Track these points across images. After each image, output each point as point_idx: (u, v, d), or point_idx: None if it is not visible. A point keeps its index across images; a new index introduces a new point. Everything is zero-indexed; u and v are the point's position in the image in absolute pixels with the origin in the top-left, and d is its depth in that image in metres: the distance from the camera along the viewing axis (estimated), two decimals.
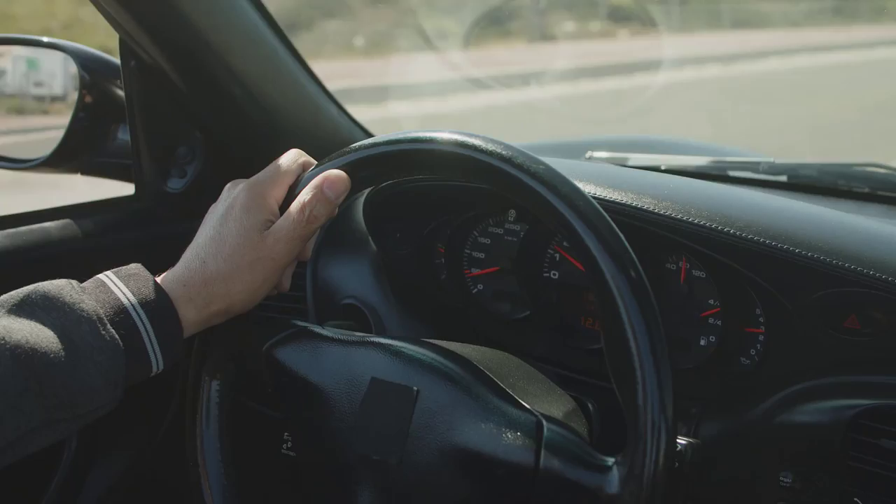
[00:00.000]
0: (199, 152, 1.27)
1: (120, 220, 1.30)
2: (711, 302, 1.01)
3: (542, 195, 0.75)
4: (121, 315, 0.81)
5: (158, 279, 0.85)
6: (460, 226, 1.15)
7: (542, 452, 0.75)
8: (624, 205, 0.97)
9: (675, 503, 0.77)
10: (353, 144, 0.87)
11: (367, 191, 1.13)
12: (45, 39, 1.35)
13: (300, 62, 1.26)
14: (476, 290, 1.15)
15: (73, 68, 1.28)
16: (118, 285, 0.83)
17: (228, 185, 0.92)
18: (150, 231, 1.30)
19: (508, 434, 0.76)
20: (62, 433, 0.79)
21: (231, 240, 0.86)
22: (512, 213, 1.13)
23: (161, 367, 0.83)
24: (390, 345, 0.85)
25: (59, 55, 1.30)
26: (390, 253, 1.18)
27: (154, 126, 1.24)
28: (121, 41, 1.17)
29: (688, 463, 0.81)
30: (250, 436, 0.93)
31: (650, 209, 0.96)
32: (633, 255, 0.73)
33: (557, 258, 1.10)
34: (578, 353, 1.07)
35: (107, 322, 0.79)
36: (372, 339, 0.87)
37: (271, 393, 0.89)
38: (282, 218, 0.87)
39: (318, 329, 0.89)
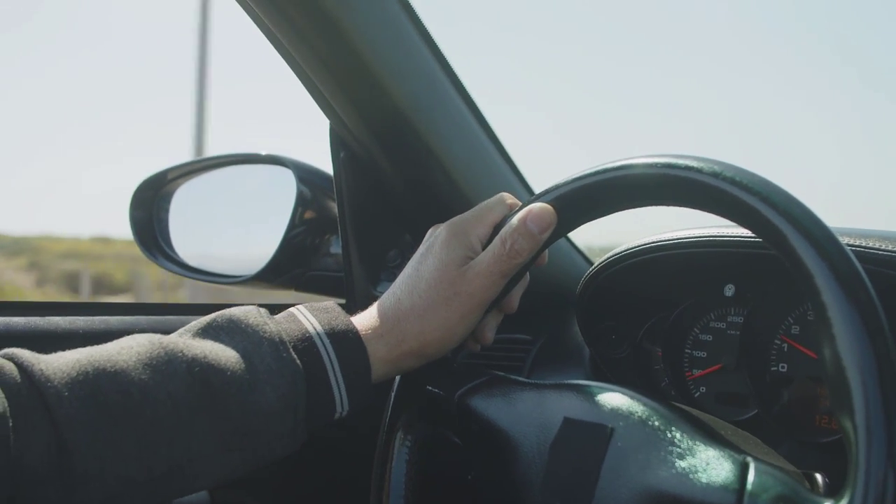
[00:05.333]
0: (408, 255, 1.28)
1: None
2: None
3: (752, 205, 0.70)
4: (305, 342, 0.78)
5: (352, 317, 0.82)
6: (677, 323, 1.12)
7: (746, 494, 0.67)
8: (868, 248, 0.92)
9: None
10: (565, 178, 0.84)
11: (580, 288, 1.13)
12: (264, 153, 1.41)
13: (500, 150, 1.26)
14: (698, 393, 1.11)
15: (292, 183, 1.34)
16: (306, 316, 0.81)
17: (431, 228, 0.90)
18: None
19: (708, 473, 0.69)
20: (236, 468, 0.76)
21: (428, 275, 0.84)
22: (730, 288, 1.08)
23: (346, 406, 0.80)
24: (586, 386, 0.81)
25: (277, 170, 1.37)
26: (606, 357, 1.16)
27: (365, 230, 1.25)
28: (331, 131, 1.20)
29: None
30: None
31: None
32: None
33: (785, 349, 1.04)
34: (809, 448, 1.02)
35: (289, 346, 0.77)
36: (567, 382, 0.83)
37: (459, 443, 0.86)
38: (483, 252, 0.84)
39: (511, 377, 0.86)
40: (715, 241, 1.02)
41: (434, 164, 1.16)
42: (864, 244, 0.93)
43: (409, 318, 0.83)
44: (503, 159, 1.25)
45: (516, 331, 1.28)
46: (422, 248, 0.88)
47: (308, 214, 1.34)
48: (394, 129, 1.13)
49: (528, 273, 0.92)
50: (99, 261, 21.71)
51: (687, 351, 1.12)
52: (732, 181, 0.72)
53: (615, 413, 0.76)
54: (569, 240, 1.33)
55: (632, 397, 0.78)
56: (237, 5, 1.01)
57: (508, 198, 0.91)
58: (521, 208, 0.86)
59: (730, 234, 1.00)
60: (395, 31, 1.08)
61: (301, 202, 1.33)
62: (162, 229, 1.50)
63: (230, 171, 1.47)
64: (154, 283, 16.79)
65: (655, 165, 0.77)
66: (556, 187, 0.85)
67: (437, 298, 0.83)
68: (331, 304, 0.84)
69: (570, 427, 0.78)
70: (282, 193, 1.35)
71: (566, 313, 1.27)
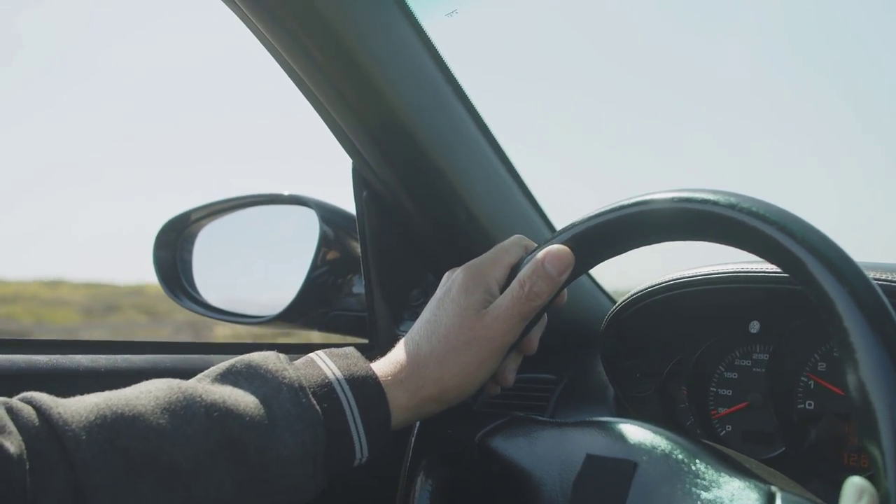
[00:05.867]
0: (431, 295, 1.27)
1: None
2: None
3: (769, 234, 0.70)
4: (324, 388, 0.77)
5: (372, 364, 0.82)
6: (702, 361, 1.10)
7: None
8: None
9: None
10: (581, 217, 0.84)
11: (604, 327, 1.13)
12: (287, 194, 1.42)
13: (523, 189, 1.25)
14: (724, 432, 1.09)
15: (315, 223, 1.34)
16: (326, 362, 0.81)
17: (448, 272, 0.89)
18: None
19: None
20: None
21: (446, 320, 0.83)
22: (755, 325, 1.07)
23: (365, 453, 0.79)
24: (607, 422, 0.80)
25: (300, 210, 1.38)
26: (631, 396, 1.15)
27: (388, 270, 1.25)
28: (353, 170, 1.20)
29: None
30: None
31: None
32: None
33: (812, 385, 1.03)
34: (838, 487, 1.00)
35: (308, 392, 0.76)
36: (587, 419, 0.82)
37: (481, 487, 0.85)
38: (501, 296, 0.84)
39: (532, 416, 0.85)
40: (738, 276, 1.01)
41: (457, 204, 1.17)
42: (882, 277, 0.92)
43: (429, 364, 0.82)
44: (526, 198, 1.25)
45: (540, 370, 1.27)
46: (439, 293, 0.88)
47: (331, 255, 1.35)
48: (416, 167, 1.13)
49: (546, 314, 0.91)
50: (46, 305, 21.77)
51: (712, 389, 1.11)
52: (749, 212, 0.71)
53: (638, 448, 0.75)
54: (591, 278, 1.33)
55: (654, 432, 0.77)
56: (256, 42, 1.03)
57: (524, 239, 0.91)
58: (538, 249, 0.86)
59: (753, 270, 1.00)
60: (418, 70, 1.09)
61: (324, 242, 1.33)
62: (185, 270, 1.51)
63: (253, 211, 1.47)
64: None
65: (672, 200, 0.77)
66: (573, 227, 0.84)
67: (455, 343, 0.82)
68: (350, 349, 0.84)
69: (593, 463, 0.77)
70: (305, 234, 1.35)
71: (590, 352, 1.26)
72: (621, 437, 0.77)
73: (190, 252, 1.52)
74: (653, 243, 0.83)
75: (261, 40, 1.03)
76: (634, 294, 1.09)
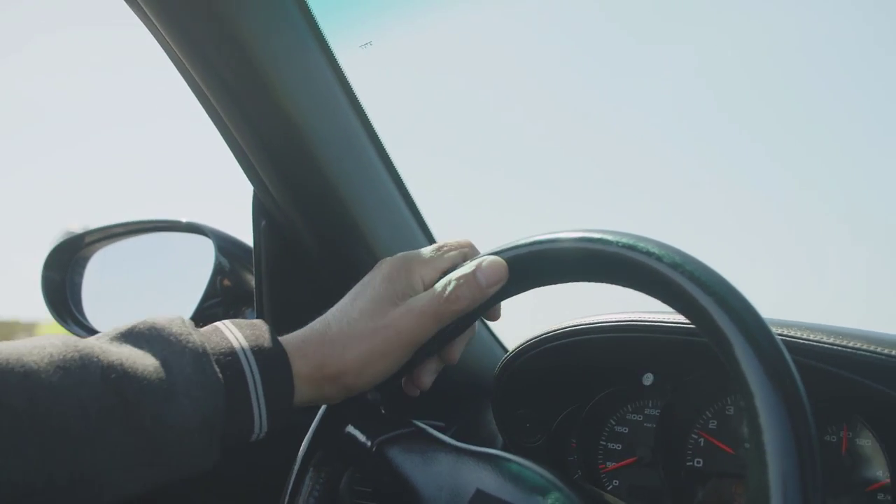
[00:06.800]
0: None
1: None
2: (880, 474, 0.91)
3: (691, 294, 0.67)
4: (228, 357, 0.74)
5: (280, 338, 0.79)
6: (593, 413, 1.09)
7: None
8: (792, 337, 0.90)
9: None
10: (527, 238, 0.81)
11: (497, 373, 1.10)
12: (184, 221, 1.38)
13: (423, 229, 1.23)
14: (611, 486, 1.07)
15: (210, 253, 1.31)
16: (232, 330, 0.77)
17: (380, 261, 0.87)
18: None
19: None
20: (146, 484, 0.71)
21: (361, 305, 0.81)
22: (648, 377, 1.05)
23: (265, 427, 0.75)
24: (506, 460, 0.78)
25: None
26: (520, 445, 1.12)
27: (281, 303, 1.21)
28: (254, 198, 1.17)
29: None
30: None
31: (821, 340, 0.89)
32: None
33: (702, 443, 1.02)
34: None
35: (212, 359, 0.73)
36: (488, 451, 0.80)
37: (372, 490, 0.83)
38: (422, 293, 0.81)
39: (435, 433, 0.83)
40: (632, 325, 1.00)
41: (358, 238, 1.14)
42: (787, 333, 0.92)
43: (334, 343, 0.79)
44: (426, 238, 1.23)
45: (431, 417, 1.24)
46: (364, 279, 0.85)
47: (225, 285, 1.31)
48: (318, 197, 1.10)
49: (475, 325, 0.88)
50: None
51: (602, 443, 1.09)
52: (691, 276, 0.68)
53: (529, 492, 0.74)
54: (488, 328, 1.30)
55: (550, 481, 0.76)
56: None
57: (467, 245, 0.88)
58: (477, 257, 0.83)
59: (647, 320, 0.99)
60: (327, 98, 1.07)
61: (219, 272, 1.30)
62: (74, 293, 1.45)
63: (150, 237, 1.44)
64: None
65: (621, 245, 0.73)
66: (516, 246, 0.81)
67: (363, 329, 0.80)
68: (259, 321, 0.81)
69: (481, 501, 0.75)
70: (200, 263, 1.31)
71: (483, 402, 1.23)
72: (515, 479, 0.76)
73: (81, 275, 1.47)
74: (584, 281, 0.80)
75: (174, 62, 1.01)
76: (528, 341, 1.07)
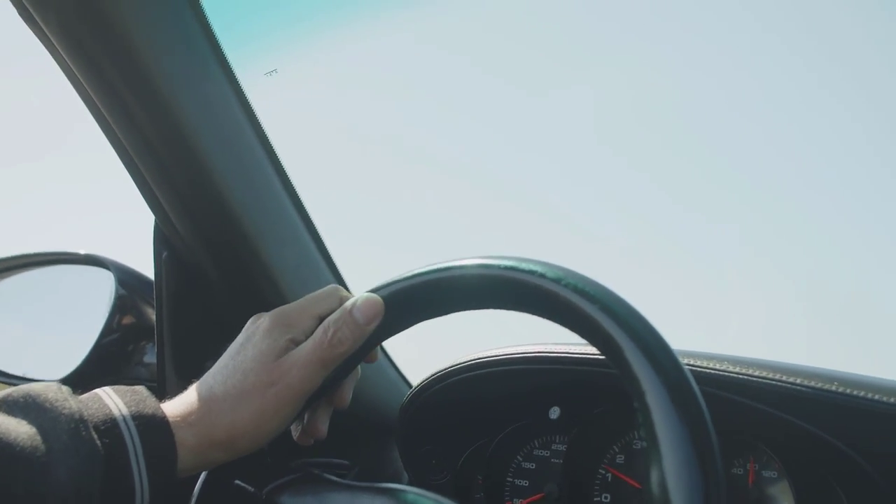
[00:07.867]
0: None
1: None
2: None
3: (577, 305, 0.68)
4: (107, 423, 0.70)
5: (162, 403, 0.76)
6: (500, 449, 1.07)
7: None
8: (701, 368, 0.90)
9: None
10: (403, 273, 0.80)
11: (401, 409, 1.08)
12: (83, 253, 1.33)
13: (329, 263, 1.21)
14: None
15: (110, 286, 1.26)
16: (112, 396, 0.74)
17: (254, 317, 0.85)
18: None
19: None
20: None
21: (244, 364, 0.78)
22: (555, 411, 1.04)
23: (146, 497, 0.71)
24: (402, 492, 0.76)
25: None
26: (425, 482, 1.10)
27: (183, 338, 1.18)
28: (155, 228, 1.13)
29: None
30: None
31: (725, 369, 0.88)
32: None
33: (609, 478, 1.01)
34: None
35: (90, 426, 0.69)
36: (380, 485, 0.78)
37: None
38: (304, 343, 0.79)
39: (325, 475, 0.81)
40: (539, 358, 0.99)
41: (261, 270, 1.11)
42: (691, 363, 0.91)
43: (222, 408, 0.76)
44: (331, 272, 1.21)
45: (335, 455, 1.21)
46: (241, 337, 0.83)
47: (126, 320, 1.27)
48: (221, 228, 1.07)
49: (359, 367, 0.87)
50: None
51: (509, 479, 1.07)
52: (575, 289, 0.68)
53: None
54: (393, 364, 1.28)
55: None
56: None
57: (339, 290, 0.86)
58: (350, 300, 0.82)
59: (555, 352, 0.98)
60: (231, 126, 1.05)
61: (119, 306, 1.25)
62: None
63: (46, 270, 1.38)
64: None
65: (497, 267, 0.73)
66: (391, 283, 0.80)
67: (251, 388, 0.77)
68: (140, 387, 0.78)
69: None
70: (100, 297, 1.27)
71: (388, 438, 1.21)
72: None
73: None
74: (473, 309, 0.79)
75: (71, 81, 0.98)
76: (432, 375, 1.06)
